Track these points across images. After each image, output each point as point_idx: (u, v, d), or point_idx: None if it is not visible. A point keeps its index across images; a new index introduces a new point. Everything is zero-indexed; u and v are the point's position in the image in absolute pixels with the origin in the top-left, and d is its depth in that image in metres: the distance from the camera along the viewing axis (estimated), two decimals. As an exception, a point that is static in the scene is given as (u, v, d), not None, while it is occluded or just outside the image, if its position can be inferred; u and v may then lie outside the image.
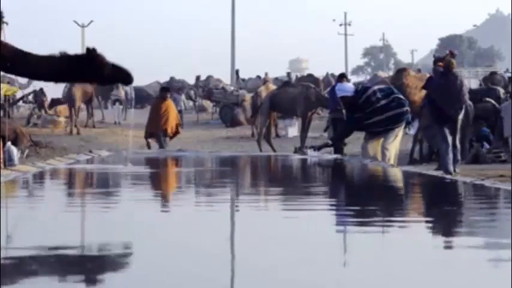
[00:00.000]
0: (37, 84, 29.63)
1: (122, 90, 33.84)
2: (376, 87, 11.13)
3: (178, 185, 7.42)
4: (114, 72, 7.73)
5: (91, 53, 7.61)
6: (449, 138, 10.92)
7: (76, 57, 7.79)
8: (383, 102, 10.88)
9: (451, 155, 10.83)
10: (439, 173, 8.50)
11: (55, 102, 28.36)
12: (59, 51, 7.98)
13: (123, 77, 7.66)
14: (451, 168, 10.66)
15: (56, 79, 8.02)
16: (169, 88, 18.35)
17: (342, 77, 15.55)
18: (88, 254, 3.44)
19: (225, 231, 4.21)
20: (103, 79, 7.72)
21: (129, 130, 26.25)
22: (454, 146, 11.11)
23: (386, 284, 2.83)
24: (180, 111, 29.48)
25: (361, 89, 11.08)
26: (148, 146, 17.02)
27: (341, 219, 4.76)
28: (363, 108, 10.86)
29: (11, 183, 6.92)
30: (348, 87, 11.34)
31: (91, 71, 7.63)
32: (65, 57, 7.90)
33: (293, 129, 23.53)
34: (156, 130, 16.39)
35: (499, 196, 6.20)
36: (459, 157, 11.38)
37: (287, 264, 3.12)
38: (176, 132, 16.85)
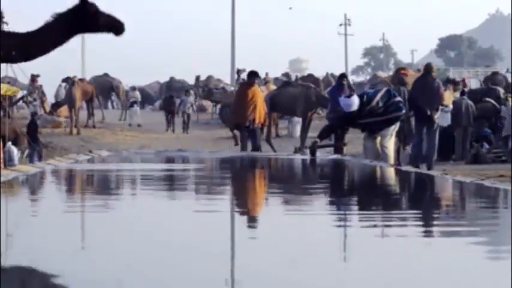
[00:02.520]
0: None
1: (137, 92, 33.76)
2: (379, 96, 11.05)
3: (177, 186, 7.42)
4: (109, 20, 7.80)
5: (84, 3, 7.65)
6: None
7: (70, 12, 7.78)
8: (383, 108, 10.93)
9: (420, 151, 12.31)
10: (439, 173, 8.49)
11: (55, 106, 28.30)
12: (50, 16, 8.03)
13: (117, 25, 7.74)
14: (419, 163, 11.99)
15: (60, 41, 7.99)
16: (257, 73, 15.49)
17: (342, 78, 15.54)
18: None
19: (225, 233, 4.21)
20: (98, 27, 7.72)
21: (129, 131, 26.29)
22: (430, 143, 12.49)
23: (387, 282, 2.84)
24: (188, 115, 28.90)
25: (366, 101, 10.96)
26: (236, 141, 15.05)
27: (346, 221, 4.76)
28: (365, 116, 10.90)
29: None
30: (353, 102, 10.98)
31: (87, 21, 7.66)
32: (60, 17, 7.88)
33: (298, 128, 23.26)
34: (242, 120, 14.16)
35: (499, 196, 6.21)
36: (435, 154, 12.94)
37: (288, 264, 3.12)
38: (264, 123, 14.83)
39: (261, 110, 14.27)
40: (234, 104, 15.06)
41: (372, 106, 10.86)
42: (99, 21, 7.67)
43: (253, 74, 14.86)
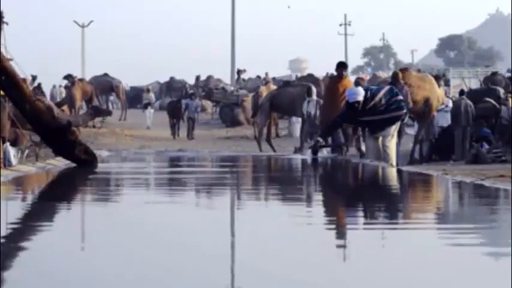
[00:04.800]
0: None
1: (152, 94, 33.27)
2: (382, 93, 11.00)
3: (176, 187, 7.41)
4: (85, 151, 8.69)
5: (67, 128, 8.51)
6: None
7: (57, 120, 8.69)
8: (384, 105, 10.85)
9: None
10: (439, 173, 8.49)
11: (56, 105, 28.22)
12: (51, 104, 9.36)
13: (90, 159, 8.70)
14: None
15: (28, 120, 8.96)
16: (346, 64, 13.87)
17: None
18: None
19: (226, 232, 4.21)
20: (74, 153, 8.60)
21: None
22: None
23: (386, 283, 2.84)
24: (193, 120, 26.65)
25: (370, 96, 10.90)
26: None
27: (347, 219, 4.77)
28: (368, 112, 10.83)
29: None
30: (359, 91, 10.89)
31: (67, 141, 8.53)
32: (47, 112, 8.74)
33: (298, 128, 23.07)
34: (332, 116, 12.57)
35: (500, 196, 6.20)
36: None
37: (288, 265, 3.12)
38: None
39: None
40: (324, 100, 14.03)
41: (375, 102, 10.78)
42: (75, 148, 8.74)
43: (341, 65, 13.45)
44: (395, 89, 11.46)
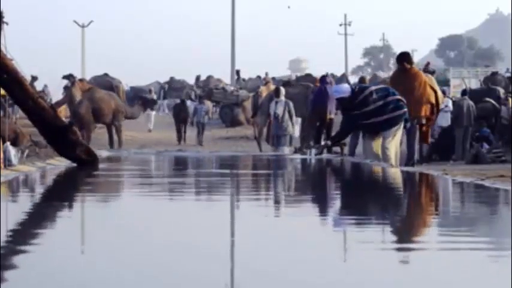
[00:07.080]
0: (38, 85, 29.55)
1: (154, 95, 33.06)
2: (373, 88, 10.91)
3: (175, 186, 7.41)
4: (85, 150, 8.78)
5: (68, 128, 8.60)
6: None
7: (61, 125, 8.77)
8: (380, 103, 10.64)
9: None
10: (439, 173, 8.49)
11: (54, 106, 28.24)
12: (51, 103, 9.43)
13: (90, 158, 8.82)
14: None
15: (30, 118, 9.02)
16: (406, 54, 12.01)
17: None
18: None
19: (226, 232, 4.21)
20: (75, 152, 8.70)
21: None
22: None
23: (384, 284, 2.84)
24: (202, 124, 25.59)
25: (358, 90, 10.84)
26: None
27: (342, 221, 4.77)
28: (360, 107, 10.67)
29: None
30: (344, 88, 11.00)
31: (69, 141, 8.62)
32: (50, 110, 8.80)
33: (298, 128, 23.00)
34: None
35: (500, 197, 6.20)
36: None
37: (288, 265, 3.12)
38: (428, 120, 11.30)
39: (421, 100, 11.20)
40: None
41: (366, 95, 10.58)
42: (76, 148, 8.79)
43: (400, 57, 11.95)
44: (391, 89, 11.21)
